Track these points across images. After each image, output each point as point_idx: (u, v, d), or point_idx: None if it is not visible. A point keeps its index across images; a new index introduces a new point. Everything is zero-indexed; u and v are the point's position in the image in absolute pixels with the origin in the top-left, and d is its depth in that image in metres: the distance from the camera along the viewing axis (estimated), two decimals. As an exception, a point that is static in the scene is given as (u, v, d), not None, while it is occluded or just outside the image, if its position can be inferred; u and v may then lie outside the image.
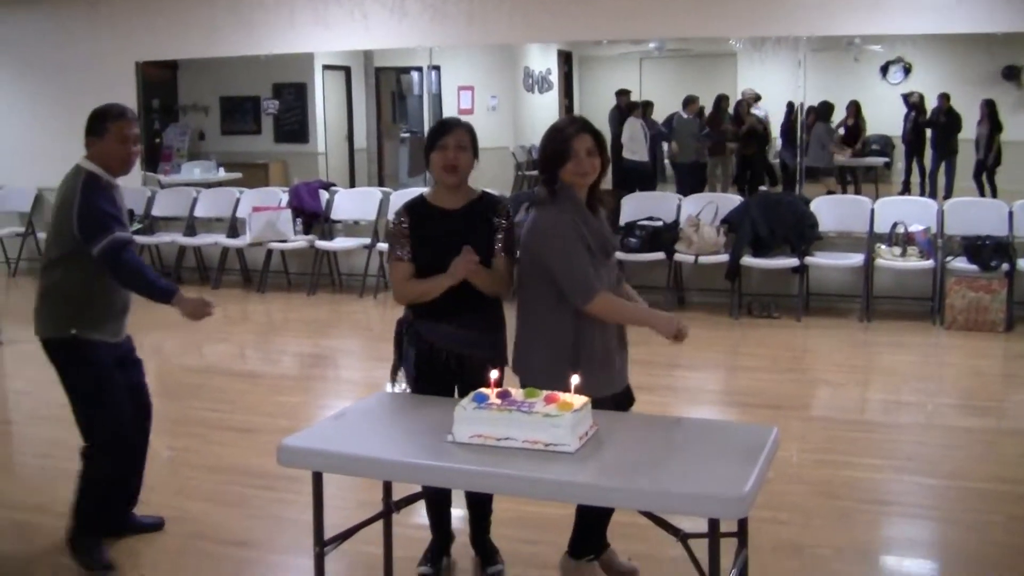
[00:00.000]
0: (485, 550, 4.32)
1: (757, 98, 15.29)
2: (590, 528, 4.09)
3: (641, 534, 4.15)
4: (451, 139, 3.97)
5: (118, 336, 4.48)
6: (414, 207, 4.10)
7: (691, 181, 12.51)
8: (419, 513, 4.58)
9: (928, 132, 14.42)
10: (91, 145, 4.38)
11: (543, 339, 3.84)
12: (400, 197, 10.66)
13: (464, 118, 4.21)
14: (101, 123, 4.36)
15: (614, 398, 3.93)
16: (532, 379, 3.79)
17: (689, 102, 13.54)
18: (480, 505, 4.25)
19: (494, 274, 3.99)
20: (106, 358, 4.39)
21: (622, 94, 15.07)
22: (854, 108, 14.40)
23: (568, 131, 3.80)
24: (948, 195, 12.07)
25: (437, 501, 4.27)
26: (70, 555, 4.36)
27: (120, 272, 4.29)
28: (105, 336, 4.39)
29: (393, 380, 4.22)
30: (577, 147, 3.76)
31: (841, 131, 13.54)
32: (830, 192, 11.67)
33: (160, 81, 16.16)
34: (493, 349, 4.03)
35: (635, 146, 13.24)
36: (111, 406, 4.37)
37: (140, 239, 11.42)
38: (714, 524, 2.98)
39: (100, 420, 4.38)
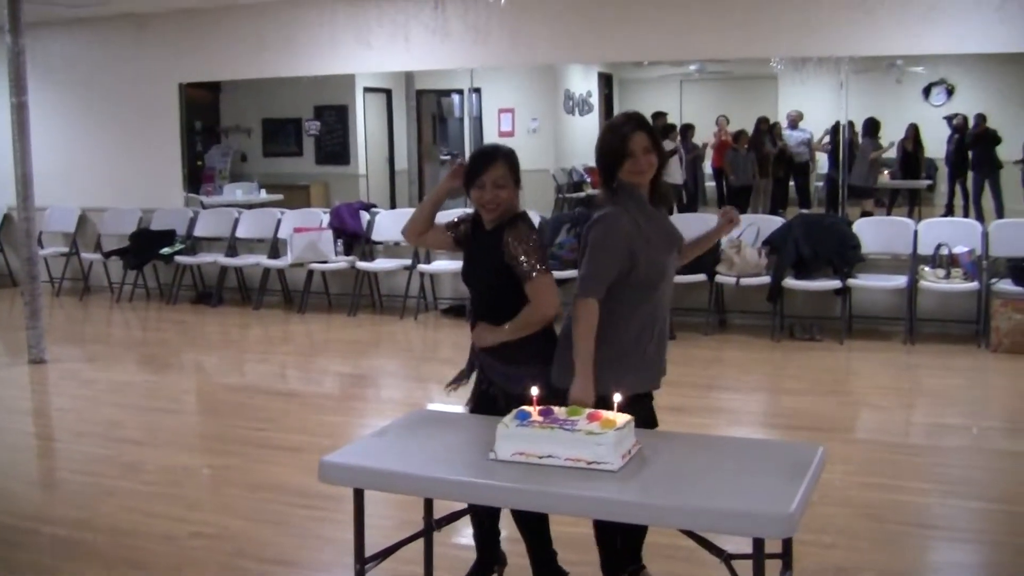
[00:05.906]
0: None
1: (800, 118, 15.30)
2: (611, 547, 4.05)
3: (682, 555, 4.13)
4: (487, 177, 3.89)
5: None
6: (474, 219, 4.09)
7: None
8: (461, 532, 4.56)
9: (971, 154, 14.30)
10: None
11: (601, 334, 3.74)
12: (443, 217, 10.68)
13: (504, 141, 4.15)
14: None
15: (648, 397, 3.93)
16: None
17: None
18: (529, 527, 4.03)
19: (519, 318, 3.86)
20: None
21: (657, 117, 15.08)
22: (913, 132, 14.23)
23: (624, 130, 3.78)
24: (1000, 215, 11.84)
25: (480, 519, 4.20)
26: None
27: None
28: None
29: (454, 387, 4.17)
30: (633, 146, 3.75)
31: (893, 153, 13.41)
32: (866, 214, 11.54)
33: (203, 103, 16.29)
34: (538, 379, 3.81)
35: (669, 168, 13.21)
36: None
37: (182, 259, 11.54)
38: (759, 544, 2.93)
39: None
